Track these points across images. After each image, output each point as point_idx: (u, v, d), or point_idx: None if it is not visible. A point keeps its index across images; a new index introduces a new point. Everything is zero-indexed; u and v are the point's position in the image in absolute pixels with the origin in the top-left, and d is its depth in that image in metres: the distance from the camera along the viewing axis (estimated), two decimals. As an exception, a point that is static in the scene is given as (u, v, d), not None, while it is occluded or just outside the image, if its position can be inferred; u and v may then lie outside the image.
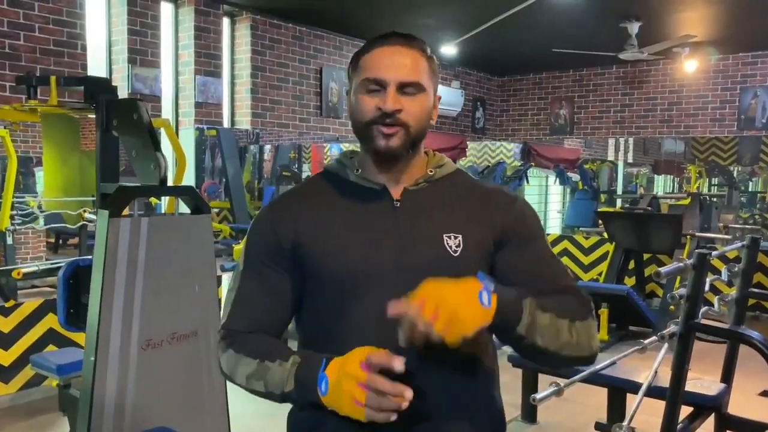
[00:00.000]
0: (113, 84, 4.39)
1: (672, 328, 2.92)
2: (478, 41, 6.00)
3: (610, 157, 11.73)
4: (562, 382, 3.19)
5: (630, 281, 6.59)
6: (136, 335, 2.66)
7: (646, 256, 6.57)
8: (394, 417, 0.94)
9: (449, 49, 6.55)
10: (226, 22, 5.28)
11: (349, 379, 0.96)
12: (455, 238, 1.13)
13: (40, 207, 7.68)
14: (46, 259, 7.18)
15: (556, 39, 6.06)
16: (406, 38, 1.14)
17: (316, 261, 1.13)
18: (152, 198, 5.42)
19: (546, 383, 3.24)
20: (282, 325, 1.18)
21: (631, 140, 11.16)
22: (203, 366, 2.86)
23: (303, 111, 5.78)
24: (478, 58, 7.35)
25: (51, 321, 3.95)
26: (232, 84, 5.40)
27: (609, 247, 6.64)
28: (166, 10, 4.84)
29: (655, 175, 13.36)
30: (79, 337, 3.76)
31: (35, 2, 3.94)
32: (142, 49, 4.52)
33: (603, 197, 10.31)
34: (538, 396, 3.13)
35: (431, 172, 1.19)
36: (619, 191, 11.44)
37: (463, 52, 6.75)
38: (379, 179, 1.18)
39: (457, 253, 1.12)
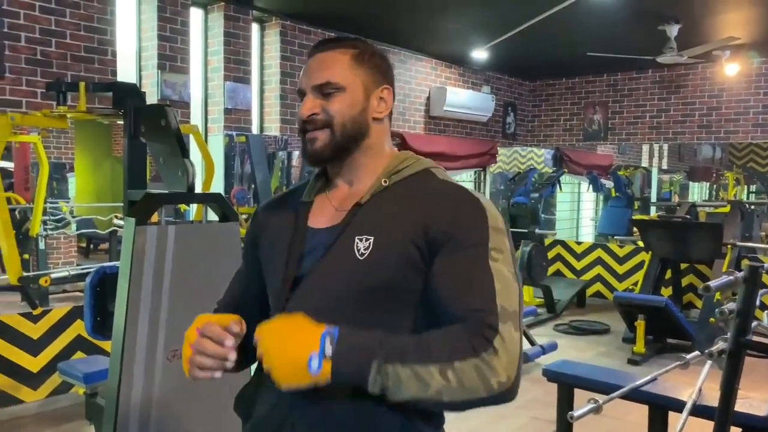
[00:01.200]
0: (142, 90, 4.41)
1: (720, 345, 2.77)
2: (509, 45, 5.89)
3: (644, 163, 11.46)
4: (600, 398, 3.06)
5: (666, 291, 6.39)
6: (161, 345, 2.61)
7: (683, 265, 6.36)
8: (218, 374, 1.11)
9: (480, 54, 6.45)
10: (255, 27, 5.26)
11: (186, 341, 1.11)
12: (366, 240, 1.08)
13: (71, 212, 7.76)
14: (77, 264, 7.24)
15: (591, 43, 5.92)
16: (331, 42, 1.17)
17: (262, 269, 1.24)
18: (182, 204, 5.43)
19: (583, 398, 3.11)
20: (256, 304, 1.26)
21: (666, 146, 10.88)
22: (228, 377, 2.80)
23: (332, 117, 5.74)
24: (510, 63, 7.23)
25: (79, 328, 3.94)
26: (261, 90, 5.37)
27: (644, 256, 6.44)
28: (195, 16, 4.83)
29: (690, 182, 13.03)
30: (106, 345, 3.73)
31: (66, 9, 3.95)
32: (171, 55, 4.51)
33: (637, 204, 10.07)
34: (576, 413, 3.01)
35: (384, 182, 1.14)
36: (654, 198, 11.15)
37: (494, 57, 6.65)
38: (323, 193, 1.19)
39: (364, 256, 1.07)
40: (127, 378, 2.54)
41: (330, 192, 1.20)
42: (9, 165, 7.80)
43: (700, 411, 2.92)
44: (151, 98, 4.41)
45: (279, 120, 5.33)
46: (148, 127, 2.83)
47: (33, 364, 3.85)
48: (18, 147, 6.69)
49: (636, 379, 3.41)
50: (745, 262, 2.58)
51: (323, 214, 1.17)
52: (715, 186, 13.05)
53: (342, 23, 5.57)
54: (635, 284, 6.69)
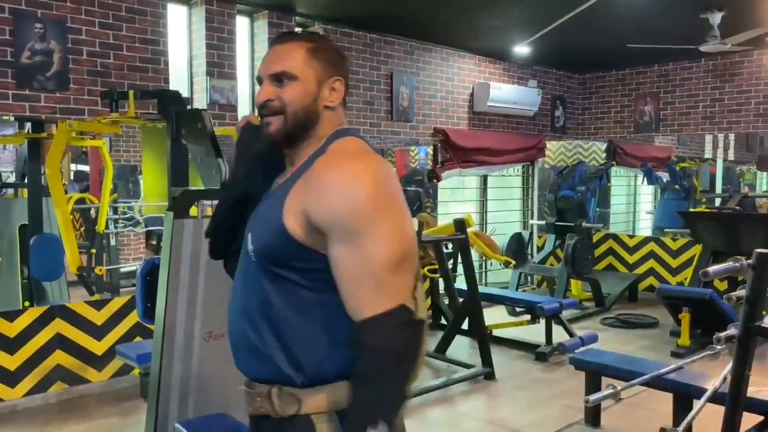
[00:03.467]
0: (193, 96, 4.74)
1: (731, 330, 2.78)
2: (553, 39, 5.90)
3: (708, 154, 11.08)
4: (619, 384, 3.12)
5: (722, 285, 6.24)
6: (199, 327, 2.88)
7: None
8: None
9: (522, 49, 6.48)
10: (299, 32, 5.51)
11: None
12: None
13: (140, 211, 8.27)
14: (145, 260, 7.75)
15: (633, 33, 5.86)
16: (290, 35, 1.30)
17: None
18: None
19: (606, 386, 3.17)
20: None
21: (732, 136, 10.49)
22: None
23: (374, 116, 5.93)
24: (556, 56, 7.21)
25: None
26: (306, 92, 5.62)
27: (698, 250, 6.31)
28: (241, 25, 5.13)
29: (759, 173, 12.48)
30: (160, 330, 4.07)
31: (123, 23, 4.31)
32: (219, 62, 4.82)
33: (704, 198, 9.76)
34: (592, 398, 3.09)
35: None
36: (718, 190, 10.77)
37: (540, 51, 6.66)
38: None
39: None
40: (168, 357, 2.81)
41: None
42: (87, 168, 8.43)
43: (722, 398, 2.93)
44: (201, 103, 4.73)
45: (323, 120, 5.56)
46: (187, 130, 3.11)
47: (97, 347, 4.24)
48: (91, 151, 7.25)
49: (663, 368, 3.43)
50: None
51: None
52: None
53: (382, 24, 5.75)
54: (687, 279, 6.56)
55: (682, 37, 5.62)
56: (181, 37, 4.83)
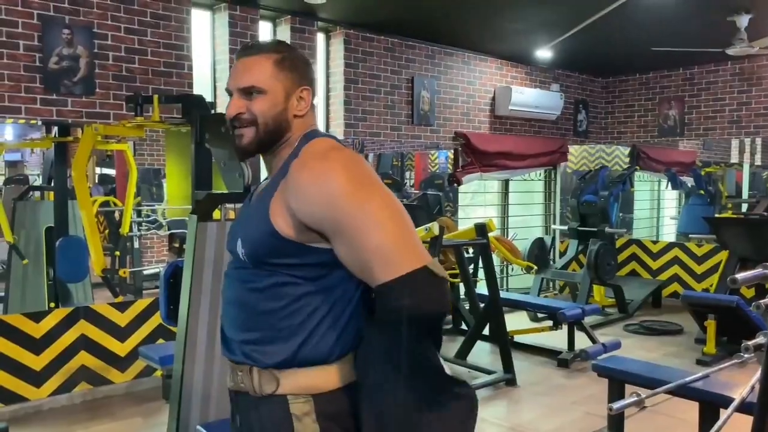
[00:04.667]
0: (216, 100, 4.78)
1: (760, 339, 2.72)
2: (576, 42, 5.86)
3: (734, 159, 10.89)
4: (644, 392, 3.07)
5: (749, 292, 6.13)
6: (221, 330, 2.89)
7: (765, 265, 6.07)
8: None
9: (544, 53, 6.44)
10: (320, 37, 5.54)
11: None
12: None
13: (163, 215, 8.36)
14: (168, 262, 7.83)
15: (658, 36, 5.79)
16: (255, 47, 1.33)
17: None
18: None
19: (630, 394, 3.13)
20: None
21: (759, 140, 10.30)
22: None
23: (395, 120, 5.93)
24: (579, 60, 7.15)
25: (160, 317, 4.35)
26: (327, 96, 5.65)
27: (724, 256, 6.21)
28: (264, 29, 5.17)
29: (788, 178, 12.22)
30: (183, 333, 4.11)
31: (148, 29, 4.37)
32: (242, 66, 4.86)
33: (730, 203, 9.60)
34: (616, 405, 3.04)
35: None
36: (745, 195, 10.57)
37: (562, 54, 6.61)
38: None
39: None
40: (190, 360, 2.83)
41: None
42: (112, 172, 8.55)
43: (750, 409, 2.87)
44: (224, 108, 4.76)
45: (343, 124, 5.58)
46: (211, 135, 3.14)
47: (121, 349, 4.29)
48: (116, 155, 7.35)
49: (688, 376, 3.37)
50: None
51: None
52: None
53: (403, 28, 5.75)
54: (712, 285, 6.46)
55: (708, 40, 5.55)
56: (205, 42, 4.88)
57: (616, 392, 3.67)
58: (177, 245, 9.32)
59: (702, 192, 9.11)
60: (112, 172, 8.52)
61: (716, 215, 7.15)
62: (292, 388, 1.27)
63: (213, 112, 3.90)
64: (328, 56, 5.62)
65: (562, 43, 5.83)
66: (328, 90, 5.63)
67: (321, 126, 5.59)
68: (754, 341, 2.63)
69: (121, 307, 4.34)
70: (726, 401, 3.10)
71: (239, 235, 1.32)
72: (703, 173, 9.33)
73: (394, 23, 5.58)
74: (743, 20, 5.00)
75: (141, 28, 4.35)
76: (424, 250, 1.19)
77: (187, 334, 2.83)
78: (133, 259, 7.06)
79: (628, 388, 3.56)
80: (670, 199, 10.40)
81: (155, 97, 3.30)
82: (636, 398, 3.03)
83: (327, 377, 1.27)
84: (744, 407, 2.84)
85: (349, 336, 1.28)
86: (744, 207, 9.57)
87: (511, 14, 5.26)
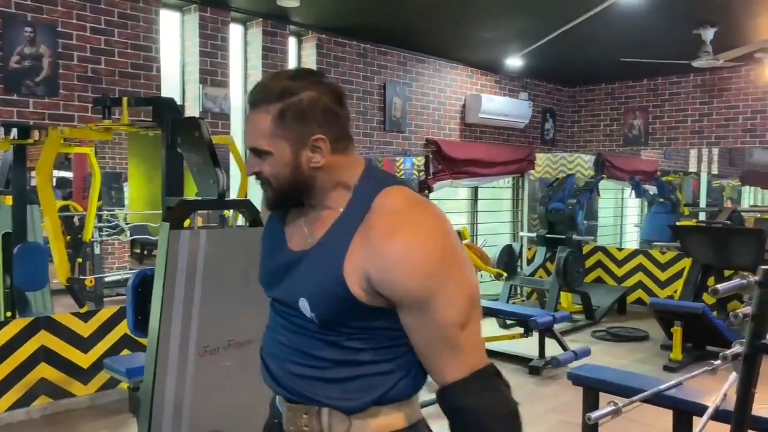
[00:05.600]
0: (185, 103, 4.66)
1: (737, 348, 2.76)
2: (546, 52, 5.92)
3: (692, 168, 11.19)
4: (620, 401, 3.08)
5: (711, 299, 6.27)
6: (194, 341, 2.79)
7: (727, 272, 6.23)
8: None
9: (515, 61, 6.49)
10: (292, 41, 5.46)
11: None
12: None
13: (125, 219, 8.13)
14: (131, 269, 7.60)
15: (626, 48, 5.89)
16: (254, 97, 1.17)
17: None
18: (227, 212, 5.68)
19: (607, 403, 3.14)
20: None
21: (715, 150, 10.61)
22: (257, 373, 2.95)
23: (367, 126, 5.89)
24: (548, 69, 7.24)
25: (126, 327, 4.18)
26: (299, 101, 5.57)
27: (687, 263, 6.34)
28: (235, 32, 5.07)
29: (744, 187, 12.63)
30: (149, 343, 3.97)
31: (115, 29, 4.23)
32: (212, 69, 4.75)
33: (687, 211, 9.85)
34: (594, 414, 3.05)
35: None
36: (703, 204, 10.87)
37: (532, 64, 6.68)
38: (296, 220, 1.28)
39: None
40: (161, 372, 2.73)
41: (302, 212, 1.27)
42: (69, 175, 8.27)
43: (723, 416, 2.90)
44: (193, 111, 4.65)
45: (315, 129, 5.51)
46: (184, 139, 3.03)
47: (83, 360, 4.12)
48: (75, 158, 7.11)
49: (662, 384, 3.41)
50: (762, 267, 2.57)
51: (296, 234, 1.27)
52: (771, 191, 12.59)
53: (376, 34, 5.72)
54: (677, 291, 6.58)
55: (674, 52, 5.67)
56: (174, 44, 4.75)
57: (590, 400, 3.68)
58: (138, 251, 9.08)
59: (662, 200, 9.32)
60: (69, 174, 8.25)
61: (681, 223, 7.29)
62: (365, 429, 1.21)
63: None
64: (299, 60, 5.55)
65: (531, 52, 5.89)
66: (299, 95, 5.55)
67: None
68: (731, 350, 2.66)
69: (84, 316, 4.17)
70: (699, 409, 3.14)
71: (302, 293, 1.19)
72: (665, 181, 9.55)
73: (366, 29, 5.54)
74: (708, 33, 5.12)
75: (108, 28, 4.21)
76: (482, 341, 1.19)
77: (159, 346, 2.72)
78: (93, 265, 6.84)
79: (603, 396, 3.59)
80: (633, 207, 10.60)
81: (124, 99, 3.19)
82: (613, 407, 3.03)
83: (398, 418, 1.21)
84: (718, 415, 2.88)
85: (420, 375, 1.23)
86: (702, 215, 9.83)
87: (485, 23, 5.28)
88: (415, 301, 1.10)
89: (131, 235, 8.09)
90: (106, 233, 7.65)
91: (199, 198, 2.96)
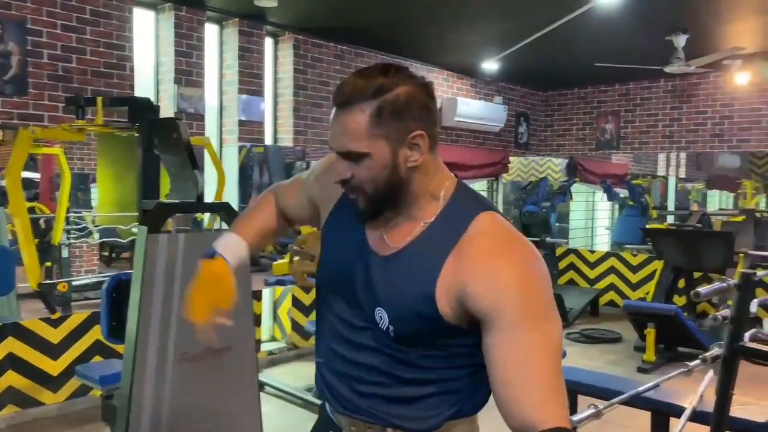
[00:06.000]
0: (159, 104, 4.56)
1: (716, 350, 2.81)
2: (521, 56, 5.96)
3: (661, 172, 11.41)
4: (601, 404, 3.10)
5: (680, 300, 6.38)
6: (172, 348, 2.73)
7: (696, 274, 6.35)
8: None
9: (491, 65, 6.53)
10: (269, 42, 5.40)
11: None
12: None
13: (94, 222, 7.95)
14: (99, 272, 7.43)
15: (600, 53, 5.97)
16: (348, 93, 1.08)
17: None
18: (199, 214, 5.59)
19: (586, 405, 3.16)
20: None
21: (683, 155, 10.83)
22: (237, 380, 2.90)
23: (344, 128, 5.85)
24: (522, 73, 7.30)
25: (98, 333, 4.07)
26: (275, 102, 5.51)
27: (658, 265, 6.45)
28: (211, 32, 4.99)
29: (709, 191, 12.94)
30: (122, 349, 3.86)
31: (87, 26, 4.12)
32: (187, 69, 4.67)
33: (655, 213, 10.04)
34: (575, 418, 3.06)
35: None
36: (671, 207, 11.10)
37: (507, 68, 6.72)
38: (376, 226, 1.18)
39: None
40: (139, 379, 2.65)
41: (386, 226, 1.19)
42: (35, 176, 8.04)
43: (700, 417, 2.94)
44: (168, 111, 4.56)
45: (292, 131, 5.46)
46: (161, 140, 2.96)
47: (53, 367, 4.00)
48: (42, 159, 6.92)
49: (639, 386, 3.45)
50: (759, 271, 2.61)
51: (373, 238, 1.19)
52: (735, 195, 12.94)
53: (354, 36, 5.69)
54: (649, 293, 6.69)
55: (647, 57, 5.76)
56: (148, 43, 4.66)
57: (569, 404, 3.70)
58: (107, 254, 8.88)
59: (631, 203, 9.49)
60: (35, 176, 8.03)
61: (653, 226, 7.42)
62: None
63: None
64: (276, 61, 5.49)
65: (507, 56, 5.92)
66: (276, 96, 5.49)
67: (269, 134, 5.45)
68: (710, 353, 2.70)
69: (54, 322, 4.05)
70: (676, 410, 3.18)
71: (381, 302, 1.12)
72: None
73: (344, 31, 5.51)
74: (681, 40, 5.22)
75: (79, 26, 4.10)
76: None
77: (136, 353, 2.65)
78: (61, 269, 6.66)
79: (581, 399, 3.61)
80: (603, 210, 10.76)
81: (99, 99, 3.10)
82: (594, 410, 3.06)
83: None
84: (694, 416, 2.93)
85: (486, 391, 1.15)
86: (670, 218, 10.03)
87: (464, 26, 5.29)
88: (515, 319, 1.02)
89: (100, 238, 7.90)
90: (74, 236, 7.46)
91: (178, 201, 2.89)
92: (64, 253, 6.76)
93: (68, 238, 7.03)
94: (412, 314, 1.08)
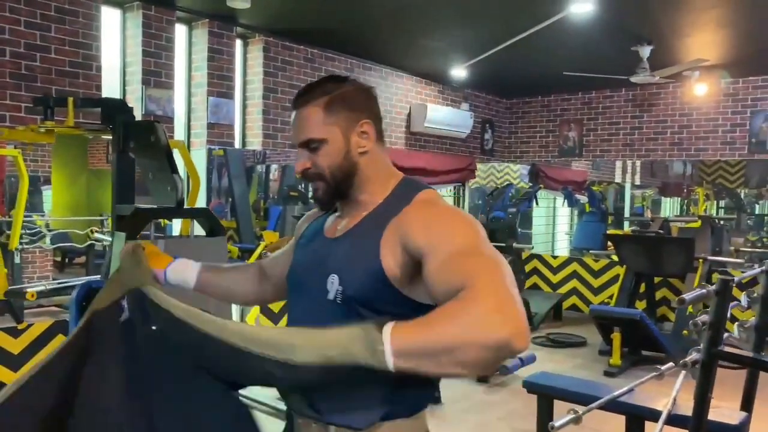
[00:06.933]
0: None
1: (694, 355, 2.87)
2: (487, 64, 6.02)
3: (618, 179, 11.72)
4: (580, 409, 3.13)
5: (641, 305, 6.54)
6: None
7: (657, 279, 6.52)
8: None
9: (459, 72, 6.58)
10: (239, 44, 5.31)
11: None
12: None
13: (47, 226, 7.66)
14: (53, 278, 7.15)
15: (566, 62, 6.08)
16: (304, 96, 1.24)
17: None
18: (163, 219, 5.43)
19: (561, 409, 3.18)
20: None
21: (638, 162, 11.15)
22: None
23: (314, 132, 5.80)
24: (487, 81, 7.37)
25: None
26: (244, 105, 5.42)
27: (619, 270, 6.59)
28: (180, 33, 4.87)
29: (662, 198, 13.35)
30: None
31: (52, 24, 3.97)
32: (156, 70, 4.54)
33: (611, 219, 10.30)
34: (557, 423, 3.09)
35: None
36: (627, 213, 11.40)
37: (473, 75, 6.78)
38: (332, 220, 1.32)
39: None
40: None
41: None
42: (-15, 179, 7.70)
43: (675, 420, 3.00)
44: (136, 113, 4.41)
45: (261, 134, 5.38)
46: (137, 143, 2.86)
47: (13, 379, 3.81)
48: (-3, 160, 6.63)
49: (613, 390, 3.49)
50: (716, 276, 2.68)
51: (332, 227, 1.31)
52: (686, 201, 13.39)
53: (324, 40, 5.65)
54: (610, 297, 6.82)
55: (611, 67, 5.90)
56: (115, 43, 4.51)
57: (545, 408, 3.74)
58: (60, 259, 8.56)
59: (588, 209, 9.71)
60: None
61: (616, 232, 7.59)
62: None
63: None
64: (245, 64, 5.40)
65: (474, 63, 5.97)
66: (245, 99, 5.40)
67: (237, 138, 5.35)
68: (690, 357, 2.76)
69: (14, 332, 3.85)
70: (652, 414, 3.24)
71: (332, 270, 1.20)
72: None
73: (314, 33, 5.46)
74: (646, 51, 5.36)
75: (44, 23, 3.94)
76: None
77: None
78: (13, 275, 6.38)
79: (557, 404, 3.65)
80: (563, 215, 10.97)
81: (70, 99, 2.98)
82: (574, 415, 3.08)
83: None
84: (669, 420, 2.99)
85: (431, 389, 1.21)
86: (626, 224, 10.31)
87: (434, 32, 5.31)
88: (450, 249, 1.07)
89: (53, 243, 7.61)
90: (27, 240, 7.17)
91: (155, 206, 2.80)
92: (16, 259, 6.49)
93: (21, 243, 6.75)
94: (360, 272, 1.16)
